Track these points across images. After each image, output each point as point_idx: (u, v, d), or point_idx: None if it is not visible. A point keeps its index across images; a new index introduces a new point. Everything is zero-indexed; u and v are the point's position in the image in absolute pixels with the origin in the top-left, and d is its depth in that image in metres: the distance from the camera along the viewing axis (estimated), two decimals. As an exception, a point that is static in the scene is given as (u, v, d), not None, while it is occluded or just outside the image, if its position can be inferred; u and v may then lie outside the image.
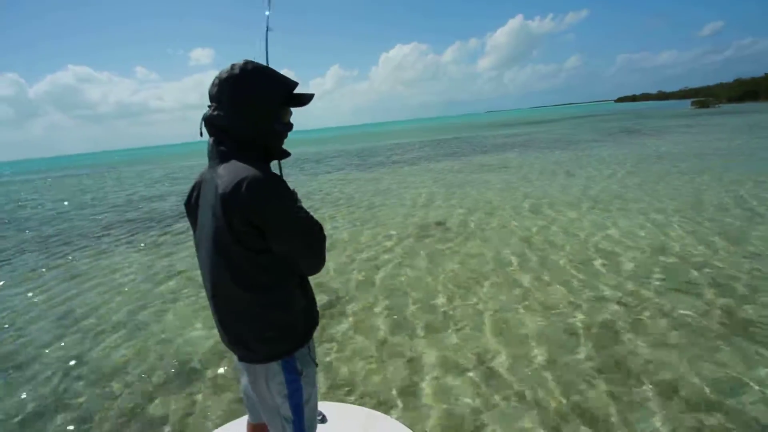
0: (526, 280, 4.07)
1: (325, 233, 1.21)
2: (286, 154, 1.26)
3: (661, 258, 4.25)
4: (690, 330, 2.97)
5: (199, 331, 3.68)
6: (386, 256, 5.15)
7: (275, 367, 1.20)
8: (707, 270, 3.91)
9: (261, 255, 1.10)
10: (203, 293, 3.68)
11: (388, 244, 5.67)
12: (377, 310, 3.76)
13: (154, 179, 19.94)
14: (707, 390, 2.33)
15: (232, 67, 1.12)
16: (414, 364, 2.88)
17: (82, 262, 6.29)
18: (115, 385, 2.98)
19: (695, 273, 3.86)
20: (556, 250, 4.80)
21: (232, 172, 1.07)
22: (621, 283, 3.82)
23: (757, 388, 2.31)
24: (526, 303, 3.59)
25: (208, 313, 3.59)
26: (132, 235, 7.86)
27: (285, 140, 1.26)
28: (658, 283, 3.73)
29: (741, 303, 3.27)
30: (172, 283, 4.98)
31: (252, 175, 1.05)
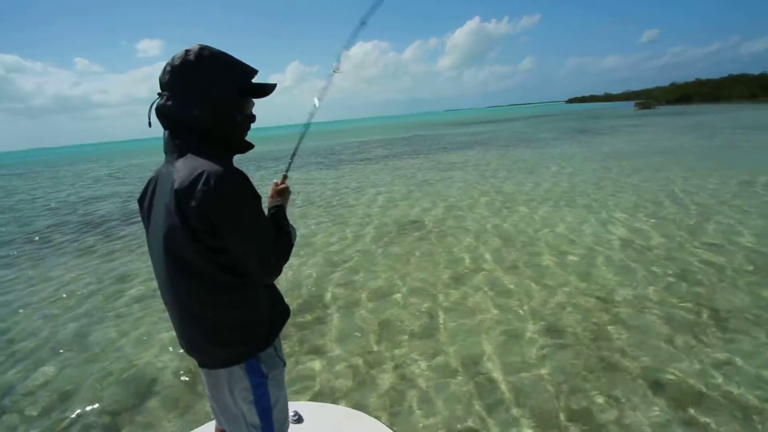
0: (506, 279, 3.97)
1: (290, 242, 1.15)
2: (249, 146, 1.17)
3: (634, 253, 4.26)
4: (666, 321, 3.01)
5: (158, 344, 3.26)
6: (360, 257, 4.88)
7: (238, 371, 1.13)
8: (671, 261, 4.04)
9: (219, 254, 1.03)
10: (160, 302, 3.15)
11: (360, 244, 5.37)
12: (356, 312, 3.54)
13: (96, 178, 18.20)
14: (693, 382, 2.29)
15: (187, 52, 1.04)
16: (399, 369, 2.71)
17: (8, 273, 5.41)
18: (62, 416, 2.51)
19: (663, 265, 3.94)
20: (532, 247, 4.76)
21: (189, 166, 1.00)
22: (596, 278, 3.81)
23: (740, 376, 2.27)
24: (509, 302, 3.49)
25: (167, 324, 3.43)
26: (71, 241, 6.94)
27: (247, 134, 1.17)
28: (632, 276, 3.77)
29: (710, 293, 3.37)
30: (123, 293, 4.41)
31: (211, 169, 0.98)
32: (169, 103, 1.04)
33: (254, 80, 1.12)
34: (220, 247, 1.02)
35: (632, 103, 61.60)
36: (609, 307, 3.27)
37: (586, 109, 70.10)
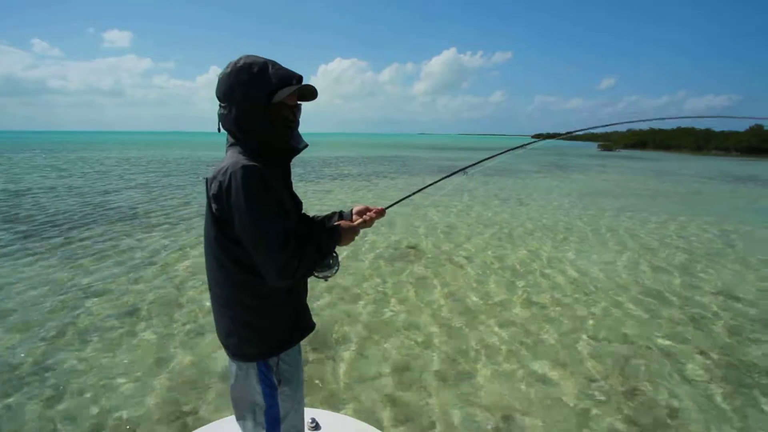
0: (518, 313, 3.75)
1: (296, 256, 1.08)
2: (294, 149, 1.22)
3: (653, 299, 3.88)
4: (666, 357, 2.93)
5: (137, 379, 2.68)
6: (364, 285, 4.37)
7: (251, 370, 1.18)
8: (674, 303, 3.86)
9: (236, 247, 1.10)
10: (129, 324, 3.28)
11: (363, 268, 4.84)
12: (368, 346, 3.18)
13: (39, 168, 16.15)
14: None
15: (228, 64, 1.14)
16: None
17: None
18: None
19: (672, 306, 3.70)
20: (542, 284, 4.46)
21: (224, 160, 1.12)
22: (610, 319, 3.61)
23: None
24: (525, 341, 3.27)
25: (151, 352, 3.00)
26: (13, 241, 5.61)
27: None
28: (649, 317, 3.43)
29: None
30: (89, 310, 3.64)
31: (232, 162, 1.07)
32: (219, 110, 1.15)
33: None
34: (237, 237, 1.08)
35: (594, 144, 65.66)
36: (639, 352, 2.93)
37: (552, 146, 73.84)
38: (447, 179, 1.75)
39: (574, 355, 3.07)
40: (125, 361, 2.89)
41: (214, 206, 1.08)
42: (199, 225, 6.98)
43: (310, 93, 1.17)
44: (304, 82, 1.15)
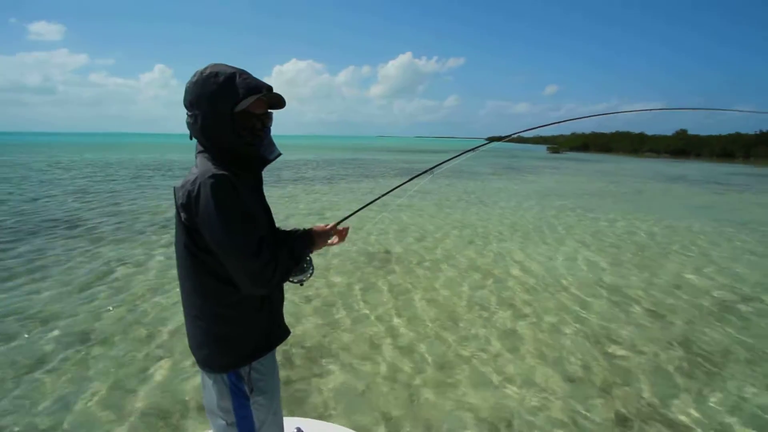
0: (500, 316, 3.71)
1: (270, 267, 1.07)
2: (264, 160, 1.20)
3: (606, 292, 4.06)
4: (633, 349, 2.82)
5: (96, 414, 2.37)
6: (341, 293, 4.16)
7: (221, 380, 1.16)
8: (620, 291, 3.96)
9: (208, 256, 1.09)
10: (82, 351, 3.02)
11: (335, 277, 4.62)
12: (345, 358, 2.98)
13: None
14: None
15: (195, 73, 1.13)
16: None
17: None
18: None
19: (631, 300, 3.84)
20: (511, 284, 4.49)
21: (194, 169, 1.12)
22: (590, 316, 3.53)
23: None
24: (507, 345, 3.28)
25: (110, 381, 2.70)
26: None
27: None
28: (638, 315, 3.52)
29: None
30: (32, 337, 3.20)
31: (204, 171, 1.07)
32: (187, 119, 1.14)
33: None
34: (207, 246, 1.08)
35: (543, 146, 69.92)
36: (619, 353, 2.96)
37: (504, 148, 77.44)
38: (413, 181, 1.72)
39: (548, 353, 3.12)
40: (83, 394, 2.49)
41: (183, 215, 1.07)
42: (148, 234, 6.41)
43: (278, 101, 1.18)
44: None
